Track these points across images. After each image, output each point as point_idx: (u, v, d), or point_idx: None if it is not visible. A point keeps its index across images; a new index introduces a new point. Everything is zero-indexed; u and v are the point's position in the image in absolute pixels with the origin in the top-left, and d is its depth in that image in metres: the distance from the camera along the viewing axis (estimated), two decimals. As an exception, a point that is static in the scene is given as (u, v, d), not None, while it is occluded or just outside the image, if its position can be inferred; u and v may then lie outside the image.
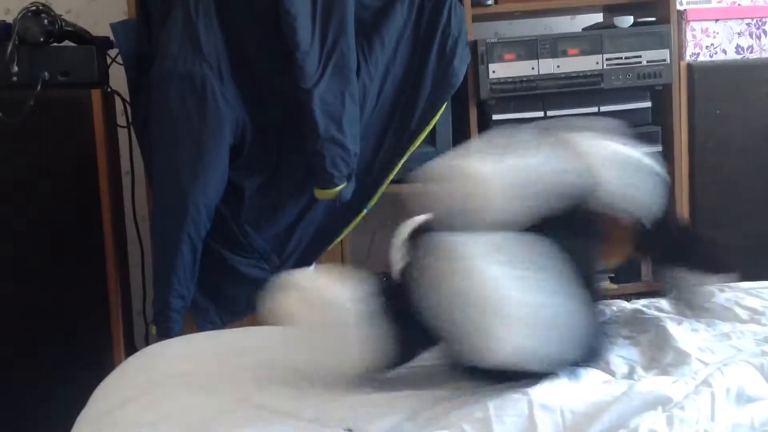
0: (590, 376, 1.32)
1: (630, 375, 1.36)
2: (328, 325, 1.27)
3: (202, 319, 2.28)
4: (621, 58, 2.47)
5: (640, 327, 1.54)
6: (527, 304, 1.19)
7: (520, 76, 2.45)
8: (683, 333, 1.48)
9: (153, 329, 2.22)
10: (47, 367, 2.22)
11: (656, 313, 1.61)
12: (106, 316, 2.25)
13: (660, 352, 1.43)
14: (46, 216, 2.22)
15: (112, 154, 2.38)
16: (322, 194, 2.25)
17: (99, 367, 1.73)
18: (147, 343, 2.07)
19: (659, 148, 2.50)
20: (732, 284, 1.71)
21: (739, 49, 2.65)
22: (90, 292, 2.24)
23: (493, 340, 1.18)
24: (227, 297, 2.31)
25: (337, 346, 1.28)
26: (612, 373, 1.36)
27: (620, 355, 1.43)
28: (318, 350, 1.32)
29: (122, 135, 2.49)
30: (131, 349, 2.31)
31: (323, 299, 1.28)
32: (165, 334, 2.15)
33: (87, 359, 2.19)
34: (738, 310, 1.60)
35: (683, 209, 2.54)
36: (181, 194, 2.16)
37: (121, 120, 2.48)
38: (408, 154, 2.34)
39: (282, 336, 1.47)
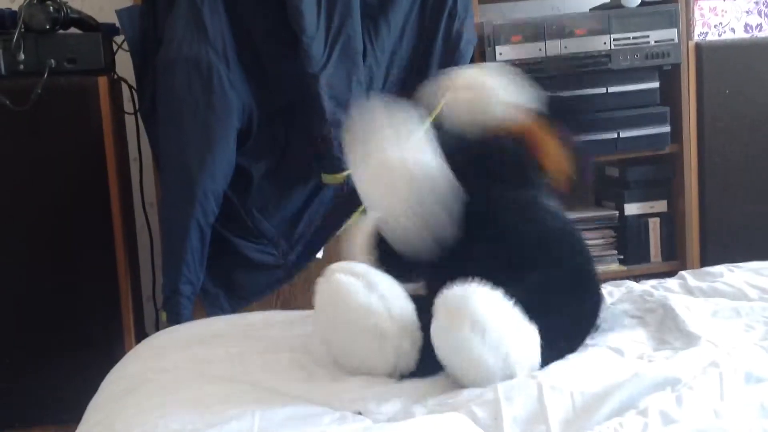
0: (599, 356, 1.33)
1: (639, 356, 1.36)
2: (364, 330, 1.31)
3: (211, 305, 2.28)
4: (629, 38, 2.45)
5: (648, 308, 1.54)
6: None
7: (527, 58, 2.43)
8: (692, 313, 1.48)
9: (163, 315, 2.23)
10: (58, 354, 2.22)
11: (665, 293, 1.61)
12: (116, 302, 2.25)
13: (669, 333, 1.43)
14: (55, 203, 2.22)
15: (120, 140, 2.38)
16: (329, 179, 2.25)
17: (110, 353, 1.75)
18: (157, 329, 2.08)
19: (668, 129, 2.48)
20: (741, 264, 1.71)
21: (748, 28, 2.63)
22: (100, 279, 2.24)
23: None
24: (236, 283, 2.31)
25: (371, 352, 1.32)
26: (621, 354, 1.36)
27: (629, 336, 1.43)
28: (350, 352, 1.34)
29: (129, 121, 2.49)
30: (141, 335, 2.31)
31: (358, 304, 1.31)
32: (175, 320, 2.15)
33: (98, 345, 2.20)
34: (747, 289, 1.60)
35: (692, 189, 2.53)
36: (189, 180, 2.16)
37: (128, 107, 2.47)
38: (416, 137, 2.33)
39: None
